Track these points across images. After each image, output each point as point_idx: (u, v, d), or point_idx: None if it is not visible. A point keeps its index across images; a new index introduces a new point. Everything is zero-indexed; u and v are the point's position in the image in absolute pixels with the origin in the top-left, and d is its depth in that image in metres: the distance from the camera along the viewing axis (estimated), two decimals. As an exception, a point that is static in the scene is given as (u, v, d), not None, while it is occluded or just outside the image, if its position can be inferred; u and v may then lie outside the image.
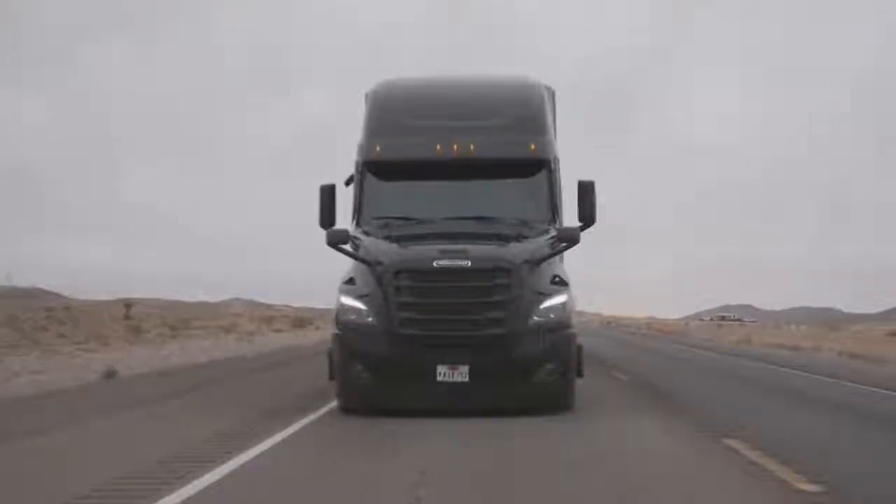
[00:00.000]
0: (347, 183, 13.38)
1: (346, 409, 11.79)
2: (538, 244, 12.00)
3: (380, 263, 11.55)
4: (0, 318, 32.25)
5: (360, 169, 12.96)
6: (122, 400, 13.51)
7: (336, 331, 11.86)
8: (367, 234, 12.36)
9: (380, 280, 11.50)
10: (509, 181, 12.99)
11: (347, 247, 12.17)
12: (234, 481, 7.51)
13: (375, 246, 11.96)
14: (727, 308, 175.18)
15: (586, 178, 12.68)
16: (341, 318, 11.72)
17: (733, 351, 34.47)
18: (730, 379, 20.04)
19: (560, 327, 11.64)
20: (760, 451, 8.80)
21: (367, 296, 11.57)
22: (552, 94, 14.58)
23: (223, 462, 8.14)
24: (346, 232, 12.24)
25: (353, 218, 12.86)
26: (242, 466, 8.07)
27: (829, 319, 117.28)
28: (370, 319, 11.47)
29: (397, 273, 11.43)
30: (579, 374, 12.20)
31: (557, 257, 12.35)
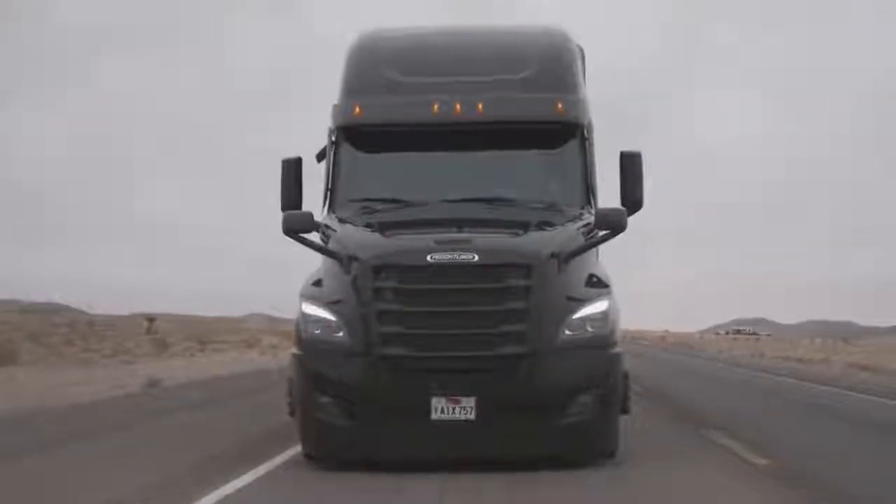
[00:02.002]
0: (319, 158, 10.37)
1: (312, 458, 8.78)
2: (568, 233, 9.01)
3: (356, 259, 8.54)
4: (24, 332, 31.93)
5: (334, 137, 9.93)
6: (174, 404, 15.40)
7: (296, 350, 8.85)
8: (341, 220, 9.36)
9: (356, 281, 8.48)
10: (529, 151, 9.97)
11: (314, 237, 9.19)
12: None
13: (352, 236, 8.98)
14: (741, 321, 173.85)
15: (629, 149, 9.74)
16: (304, 333, 8.71)
17: (749, 364, 35.81)
18: (748, 390, 21.44)
19: (600, 345, 8.62)
20: (730, 437, 11.04)
21: (338, 303, 8.58)
22: (583, 54, 11.53)
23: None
24: (309, 216, 9.22)
25: (325, 200, 9.85)
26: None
27: (844, 333, 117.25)
28: (341, 335, 8.45)
29: (379, 271, 8.42)
30: (625, 410, 9.11)
31: (594, 251, 9.36)
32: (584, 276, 8.89)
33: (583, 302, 8.64)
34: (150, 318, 47.03)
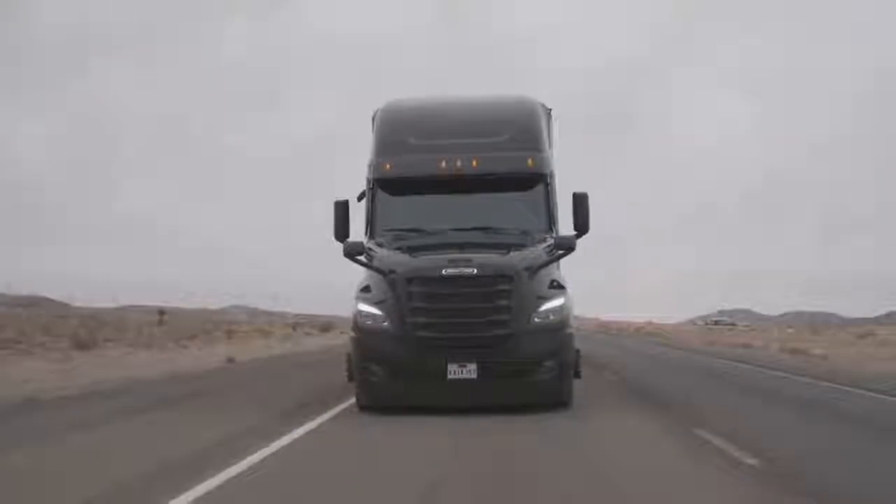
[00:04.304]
0: (360, 198, 14.31)
1: (364, 407, 12.78)
2: (537, 252, 12.89)
3: (393, 272, 12.47)
4: (36, 325, 33.67)
5: (371, 185, 13.88)
6: (258, 373, 21.31)
7: (354, 334, 12.79)
8: (379, 245, 13.25)
9: (393, 288, 12.39)
10: (510, 194, 13.82)
11: (362, 258, 13.16)
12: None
13: (388, 256, 12.85)
14: (726, 313, 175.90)
15: (580, 189, 13.68)
16: (359, 322, 12.64)
17: (696, 349, 40.88)
18: (661, 363, 28.19)
19: (559, 328, 12.54)
20: (617, 375, 20.48)
21: (382, 302, 12.47)
22: (549, 112, 15.48)
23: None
24: (361, 244, 13.16)
25: (367, 231, 13.73)
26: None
27: (827, 324, 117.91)
28: (385, 324, 12.38)
29: (409, 281, 12.32)
30: (577, 376, 13.15)
31: (555, 264, 13.23)
32: (548, 281, 12.78)
33: (546, 299, 12.51)
34: (162, 312, 49.35)
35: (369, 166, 14.03)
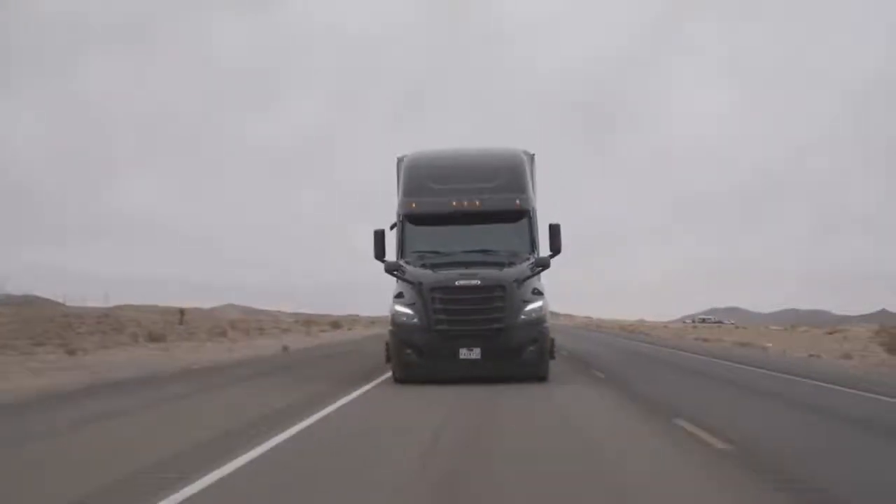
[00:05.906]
0: (392, 227, 19.25)
1: (399, 381, 17.69)
2: (523, 268, 17.75)
3: (420, 283, 17.36)
4: (56, 324, 36.07)
5: (400, 219, 18.78)
6: (309, 357, 27.90)
7: (392, 328, 17.73)
8: (408, 263, 18.10)
9: (420, 294, 17.27)
10: (503, 225, 18.63)
11: (397, 273, 18.09)
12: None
13: (416, 271, 17.72)
14: (713, 311, 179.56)
15: (555, 221, 18.56)
16: (395, 319, 17.55)
17: (663, 342, 46.96)
18: (623, 352, 34.20)
19: (539, 323, 17.45)
20: (569, 355, 28.31)
21: (412, 304, 17.39)
22: (532, 158, 20.43)
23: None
24: (397, 263, 18.13)
25: (398, 252, 18.59)
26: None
27: (816, 322, 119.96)
28: (415, 320, 17.28)
29: (432, 289, 17.19)
30: (552, 357, 18.14)
31: (536, 277, 18.10)
32: (531, 289, 17.67)
33: (530, 302, 17.40)
34: (182, 311, 52.08)
35: (398, 204, 18.95)
